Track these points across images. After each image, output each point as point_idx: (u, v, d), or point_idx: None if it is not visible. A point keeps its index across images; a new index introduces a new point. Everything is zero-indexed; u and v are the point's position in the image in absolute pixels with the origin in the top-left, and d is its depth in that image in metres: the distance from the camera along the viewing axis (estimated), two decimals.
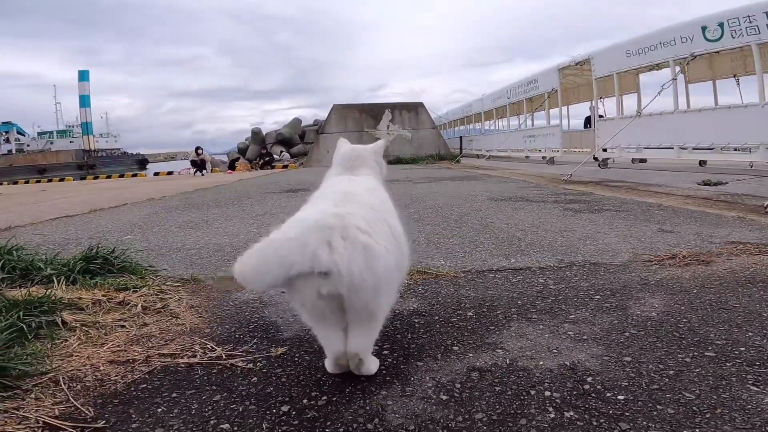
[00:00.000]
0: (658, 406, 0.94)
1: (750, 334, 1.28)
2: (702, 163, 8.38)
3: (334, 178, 1.31)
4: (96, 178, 20.99)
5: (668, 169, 7.93)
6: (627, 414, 0.92)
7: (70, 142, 46.42)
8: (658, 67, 8.46)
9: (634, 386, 1.03)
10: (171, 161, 58.65)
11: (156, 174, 20.20)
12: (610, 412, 0.93)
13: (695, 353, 1.18)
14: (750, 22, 6.15)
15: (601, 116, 10.54)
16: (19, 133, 48.13)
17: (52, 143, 46.45)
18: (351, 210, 0.99)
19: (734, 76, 9.29)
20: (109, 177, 20.25)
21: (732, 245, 2.35)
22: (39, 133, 49.42)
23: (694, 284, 1.75)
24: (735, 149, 7.13)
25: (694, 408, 0.93)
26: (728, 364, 1.11)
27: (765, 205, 3.53)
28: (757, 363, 1.11)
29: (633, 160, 9.84)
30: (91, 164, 40.26)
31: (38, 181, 20.08)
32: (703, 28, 6.85)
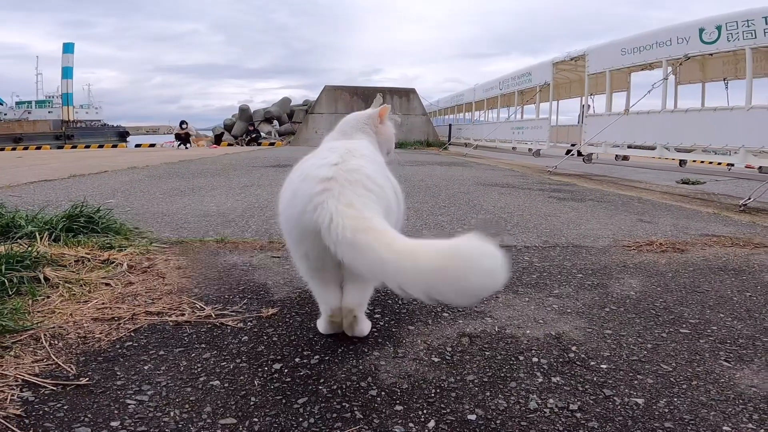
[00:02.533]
0: (638, 376, 0.98)
1: (721, 315, 1.34)
2: (682, 163, 8.61)
3: (333, 142, 1.30)
4: (74, 147, 20.32)
5: (649, 167, 8.12)
6: (610, 381, 0.96)
7: (49, 112, 45.57)
8: (650, 66, 8.57)
9: (615, 357, 1.07)
10: (153, 135, 57.38)
11: (138, 145, 19.65)
12: (594, 379, 0.97)
13: (671, 330, 1.23)
14: (748, 26, 6.26)
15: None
16: None
17: (30, 113, 45.16)
18: (361, 162, 0.99)
19: (724, 80, 9.49)
20: (87, 147, 19.62)
21: (706, 237, 2.43)
22: (17, 103, 48.12)
23: (669, 269, 1.81)
24: (715, 153, 7.33)
25: (672, 379, 0.97)
26: (701, 341, 1.16)
27: (740, 203, 3.66)
28: (728, 341, 1.16)
29: (616, 157, 10.03)
30: (69, 134, 39.35)
31: (14, 149, 19.32)
32: (701, 30, 6.95)
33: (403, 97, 17.30)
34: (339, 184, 0.91)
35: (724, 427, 0.80)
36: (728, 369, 1.02)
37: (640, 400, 0.89)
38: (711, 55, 7.35)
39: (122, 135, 47.35)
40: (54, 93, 48.53)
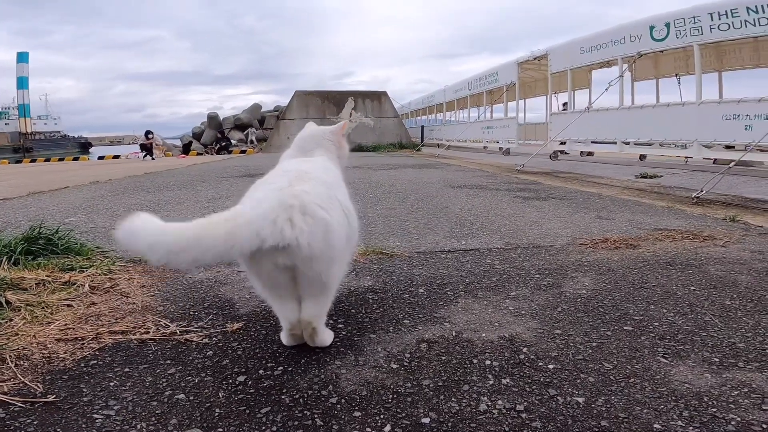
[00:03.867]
0: (581, 375, 1.05)
1: (664, 310, 1.44)
2: (642, 157, 8.98)
3: (288, 160, 1.34)
4: (33, 161, 19.50)
5: (612, 162, 8.44)
6: (555, 381, 1.02)
7: (6, 124, 43.80)
8: (608, 64, 8.92)
9: (562, 356, 1.14)
10: (118, 145, 55.71)
11: (101, 158, 19.02)
12: (541, 379, 1.03)
13: (615, 327, 1.31)
14: (695, 23, 6.57)
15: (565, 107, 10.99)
16: None
17: None
18: (306, 188, 1.04)
19: (676, 75, 9.94)
20: (48, 160, 18.86)
21: (658, 231, 2.58)
22: None
23: (620, 265, 1.92)
24: (674, 145, 7.66)
25: (611, 377, 1.04)
26: (642, 338, 1.24)
27: (692, 196, 3.87)
28: (668, 337, 1.25)
29: (581, 153, 10.37)
30: (27, 147, 37.85)
31: None
32: (651, 28, 7.27)
33: (375, 100, 17.38)
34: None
35: (655, 425, 0.86)
36: (665, 365, 1.09)
37: (581, 399, 0.95)
38: (662, 51, 7.70)
39: (84, 146, 45.92)
40: (9, 104, 46.74)
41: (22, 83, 44.12)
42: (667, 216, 3.10)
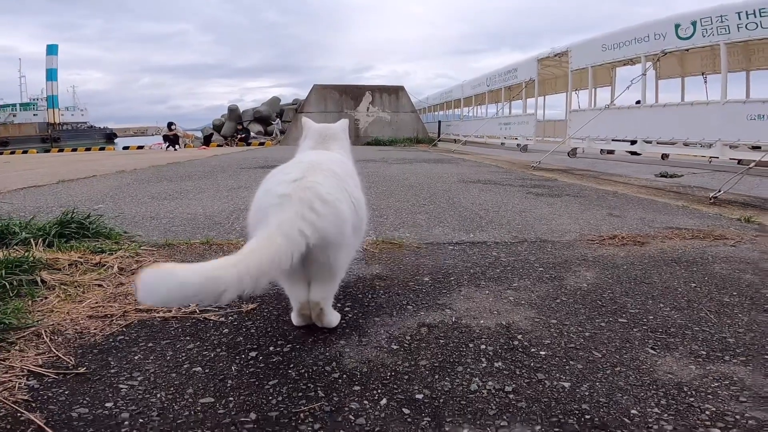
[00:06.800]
0: (570, 362, 1.11)
1: (661, 305, 1.48)
2: (664, 156, 8.81)
3: (307, 151, 1.44)
4: (61, 151, 20.18)
5: (633, 161, 8.31)
6: (544, 366, 1.08)
7: (34, 115, 45.26)
8: (632, 62, 8.76)
9: (555, 344, 1.20)
10: (141, 136, 57.10)
11: (125, 148, 19.58)
12: (531, 364, 1.10)
13: (610, 319, 1.36)
14: (722, 21, 6.43)
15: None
16: None
17: (15, 116, 44.70)
18: (319, 179, 1.12)
19: (702, 74, 9.69)
20: (74, 150, 19.50)
21: (669, 230, 2.58)
22: (1, 106, 47.56)
23: (625, 261, 1.95)
24: (700, 145, 7.50)
25: (598, 365, 1.09)
26: (635, 330, 1.29)
27: (710, 196, 3.82)
28: (660, 330, 1.29)
29: (601, 151, 10.22)
30: (55, 137, 39.07)
31: (1, 153, 19.16)
32: (677, 26, 7.13)
33: (392, 94, 17.40)
34: (290, 200, 1.05)
35: (632, 411, 0.91)
36: (652, 356, 1.14)
37: (566, 384, 1.01)
38: (687, 50, 7.54)
39: (110, 137, 47.16)
40: (39, 95, 48.25)
41: (51, 75, 45.38)
42: (681, 215, 3.09)
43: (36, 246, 1.81)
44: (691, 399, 0.95)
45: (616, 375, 1.05)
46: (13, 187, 4.33)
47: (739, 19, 6.21)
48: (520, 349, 1.17)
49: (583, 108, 10.50)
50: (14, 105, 47.68)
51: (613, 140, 8.77)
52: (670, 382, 1.02)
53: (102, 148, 20.95)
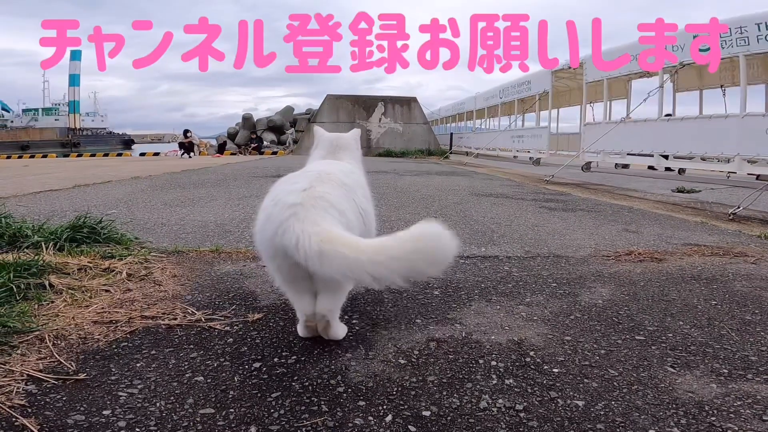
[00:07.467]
0: (585, 380, 1.06)
1: (681, 323, 1.42)
2: (681, 171, 8.66)
3: (317, 161, 1.43)
4: (80, 155, 20.64)
5: (648, 176, 8.18)
6: (557, 384, 1.04)
7: (56, 120, 46.41)
8: (648, 74, 8.66)
9: (569, 361, 1.15)
10: (158, 143, 58.22)
11: (142, 154, 19.94)
12: (544, 381, 1.05)
13: (627, 336, 1.31)
14: (741, 33, 6.34)
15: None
16: (3, 109, 47.71)
17: (36, 120, 45.96)
18: (327, 189, 1.10)
19: (721, 87, 9.54)
20: (93, 155, 19.93)
21: (688, 246, 2.51)
22: (24, 110, 48.95)
23: (642, 278, 1.89)
24: (717, 159, 7.36)
25: (615, 383, 1.05)
26: (653, 347, 1.24)
27: (729, 212, 3.72)
28: (680, 348, 1.24)
29: (616, 165, 10.08)
30: (75, 142, 40.02)
31: (20, 157, 19.66)
32: (694, 37, 7.03)
33: (404, 105, 17.47)
34: (305, 208, 1.03)
35: (650, 431, 0.87)
36: (671, 375, 1.09)
37: (580, 403, 0.97)
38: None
39: (127, 143, 48.16)
40: (60, 101, 49.47)
41: (74, 80, 46.49)
42: (700, 231, 3.01)
43: (46, 250, 1.82)
44: (713, 418, 0.91)
45: (633, 394, 1.01)
46: (30, 190, 4.41)
47: (759, 30, 6.12)
48: (532, 366, 1.13)
49: (598, 121, 10.42)
50: (36, 109, 48.96)
51: (628, 154, 8.66)
52: (690, 401, 0.98)
53: (119, 154, 21.38)
